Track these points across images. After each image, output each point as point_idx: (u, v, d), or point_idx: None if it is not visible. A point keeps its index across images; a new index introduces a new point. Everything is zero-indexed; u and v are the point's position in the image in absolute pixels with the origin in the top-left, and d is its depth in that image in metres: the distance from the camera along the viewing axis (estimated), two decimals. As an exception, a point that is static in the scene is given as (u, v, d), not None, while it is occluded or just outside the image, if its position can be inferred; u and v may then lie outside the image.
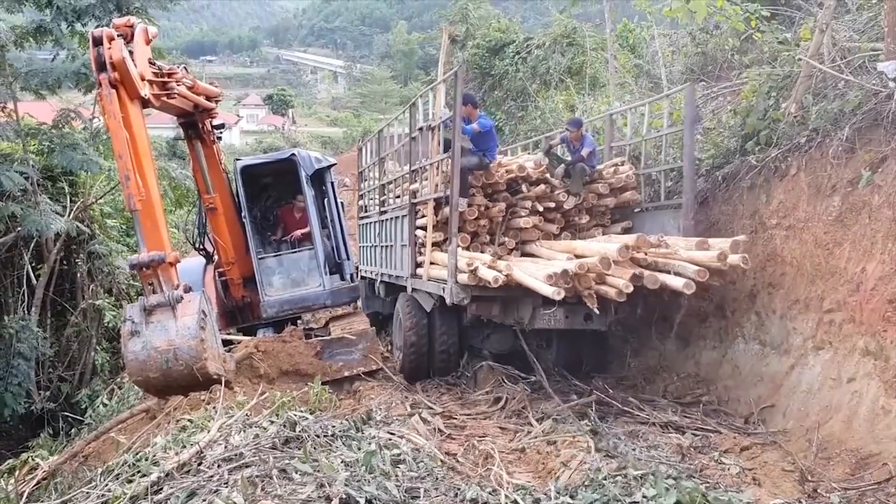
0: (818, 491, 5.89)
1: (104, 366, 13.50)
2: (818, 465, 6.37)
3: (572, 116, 12.34)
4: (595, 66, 19.54)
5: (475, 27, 24.24)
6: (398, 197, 11.17)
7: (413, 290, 10.02)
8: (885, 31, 7.76)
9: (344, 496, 4.12)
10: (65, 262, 13.98)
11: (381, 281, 12.03)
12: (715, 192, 9.56)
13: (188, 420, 5.97)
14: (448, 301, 8.55)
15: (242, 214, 11.09)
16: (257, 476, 4.38)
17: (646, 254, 8.11)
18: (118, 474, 4.95)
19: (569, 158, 10.10)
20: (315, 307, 11.72)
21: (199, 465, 4.72)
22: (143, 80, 7.28)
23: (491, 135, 9.94)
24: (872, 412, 6.42)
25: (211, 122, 10.39)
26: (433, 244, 9.38)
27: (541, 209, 9.91)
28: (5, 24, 12.63)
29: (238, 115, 75.39)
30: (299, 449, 4.86)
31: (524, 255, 9.78)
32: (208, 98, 9.90)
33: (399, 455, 5.34)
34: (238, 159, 11.78)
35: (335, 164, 13.09)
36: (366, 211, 13.98)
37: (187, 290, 7.01)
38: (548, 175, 10.05)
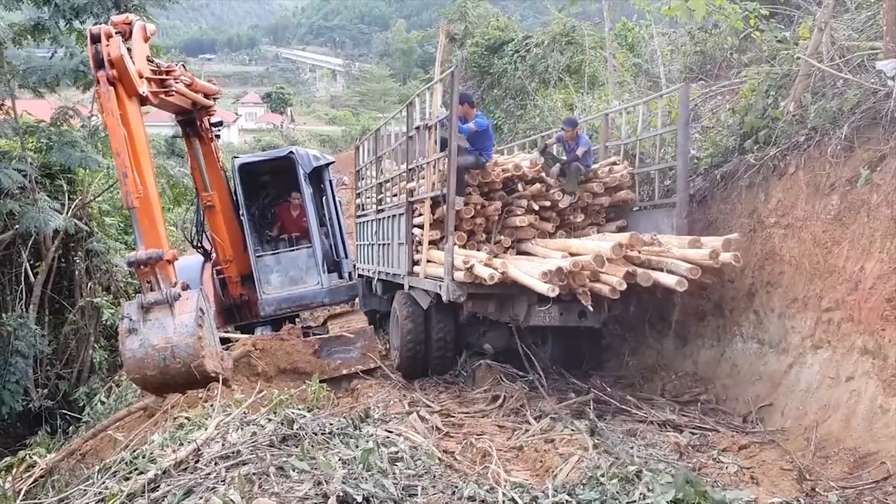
0: (816, 490, 5.89)
1: (102, 364, 13.50)
2: (816, 464, 6.38)
3: (568, 116, 12.39)
4: (594, 64, 19.52)
5: (474, 25, 24.21)
6: (395, 195, 11.20)
7: (410, 287, 10.07)
8: (883, 29, 7.76)
9: (341, 494, 4.11)
10: (63, 260, 13.98)
11: (379, 279, 12.05)
12: (713, 190, 9.55)
13: (185, 418, 5.96)
14: (445, 298, 8.62)
15: (240, 212, 11.09)
16: (254, 474, 4.37)
17: (639, 252, 8.22)
18: (115, 472, 4.95)
19: (564, 158, 10.17)
20: (313, 305, 11.73)
21: (196, 462, 4.71)
22: (141, 77, 7.26)
23: (487, 134, 10.00)
24: (871, 411, 6.42)
25: (209, 120, 10.39)
26: (430, 242, 9.44)
27: (536, 208, 10.04)
28: (3, 21, 12.64)
29: (237, 114, 75.30)
30: (297, 447, 4.85)
31: (520, 253, 9.86)
32: (206, 96, 9.89)
33: (397, 453, 5.34)
34: (236, 157, 11.77)
35: (333, 162, 13.09)
36: (363, 209, 13.99)
37: (185, 287, 7.00)
38: (543, 174, 10.15)
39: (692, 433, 7.41)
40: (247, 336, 10.43)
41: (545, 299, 8.06)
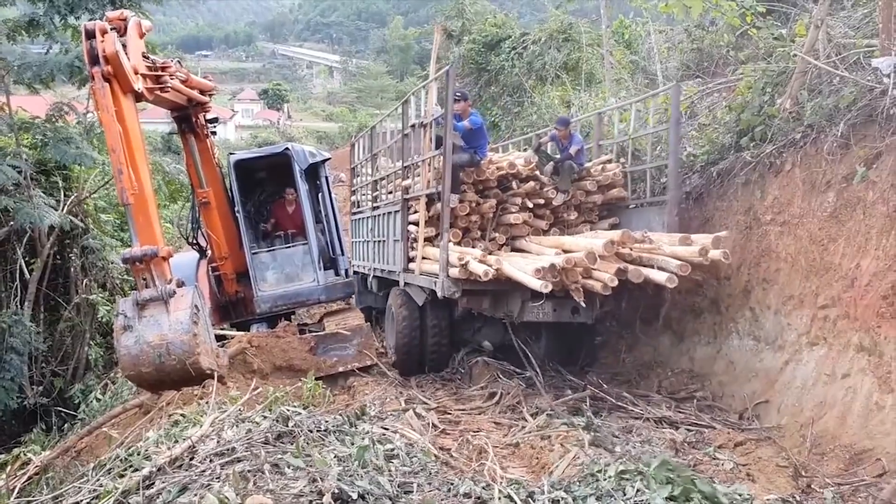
0: (812, 486, 5.91)
1: (98, 361, 13.46)
2: (812, 461, 6.39)
3: (560, 115, 12.45)
4: (591, 62, 19.53)
5: (471, 22, 24.17)
6: (391, 193, 11.23)
7: (405, 284, 10.11)
8: (879, 27, 7.76)
9: (336, 491, 4.10)
10: (58, 257, 13.92)
11: (374, 276, 12.07)
12: (709, 187, 9.56)
13: (181, 415, 5.94)
14: (440, 295, 8.70)
15: (236, 209, 11.06)
16: (249, 471, 4.36)
17: (630, 249, 8.31)
18: (110, 469, 4.93)
19: (558, 156, 10.23)
20: (309, 302, 11.71)
21: (191, 459, 4.69)
22: (136, 73, 7.22)
23: (482, 132, 10.06)
24: (866, 408, 6.42)
25: (205, 117, 10.36)
26: (425, 239, 9.50)
27: (530, 205, 10.12)
28: (-2, 17, 12.58)
29: (233, 110, 75.23)
30: (292, 444, 4.83)
31: (514, 250, 9.93)
32: (202, 92, 9.86)
33: (392, 450, 5.33)
34: (232, 154, 11.75)
35: (329, 158, 13.08)
36: (358, 206, 14.00)
37: (180, 284, 6.97)
38: (537, 172, 10.24)
39: (688, 430, 7.43)
40: (242, 333, 10.41)
41: (539, 295, 8.17)
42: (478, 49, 22.30)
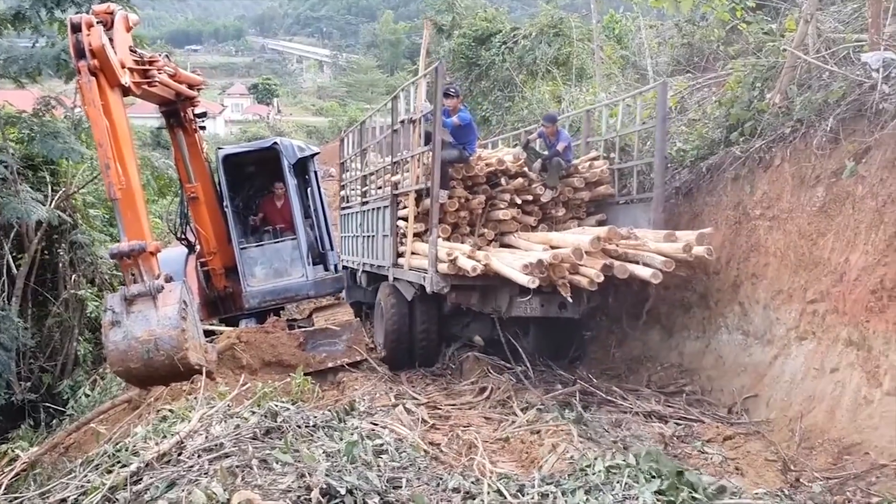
0: (801, 480, 5.92)
1: (86, 356, 13.39)
2: (801, 455, 6.40)
3: (548, 112, 12.49)
4: (582, 56, 19.50)
5: (461, 16, 24.09)
6: (380, 188, 11.24)
7: (395, 279, 10.15)
8: (868, 21, 7.78)
9: (324, 486, 4.08)
10: (46, 252, 13.82)
11: (363, 270, 12.07)
12: (699, 182, 9.58)
13: (169, 410, 5.91)
14: (428, 290, 8.77)
15: (224, 204, 11.01)
16: (237, 466, 4.34)
17: (616, 245, 8.43)
18: (98, 465, 4.90)
19: (546, 153, 10.26)
20: (298, 298, 11.66)
21: (179, 455, 4.67)
22: (123, 67, 7.17)
23: (471, 128, 10.11)
24: (855, 402, 6.44)
25: (193, 111, 10.31)
26: (414, 234, 9.56)
27: (519, 202, 10.20)
28: (-18, 11, 12.46)
29: (223, 105, 75.02)
30: (280, 439, 4.81)
31: (503, 245, 10.03)
32: (190, 86, 9.82)
33: (382, 445, 5.32)
34: (220, 148, 11.68)
35: (318, 152, 13.03)
36: (347, 201, 13.99)
37: (168, 279, 6.94)
38: (526, 169, 10.30)
39: (677, 424, 7.44)
40: (231, 329, 10.37)
41: (526, 291, 8.29)
42: (468, 43, 22.24)
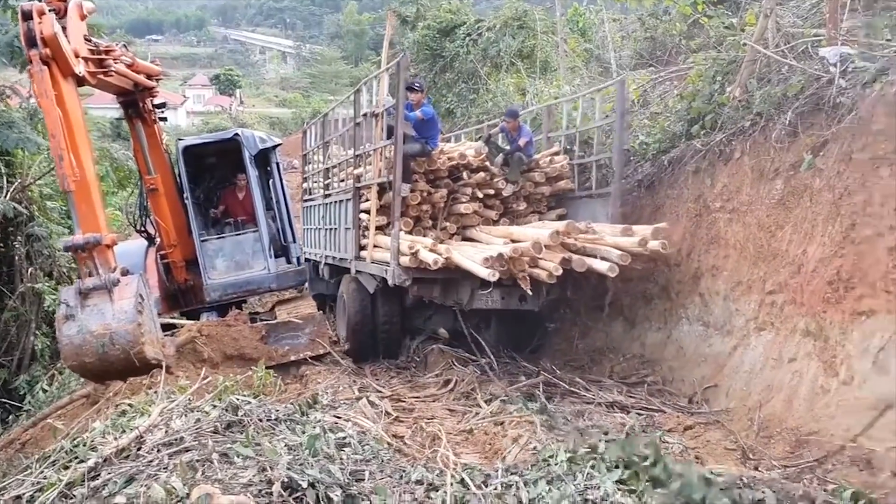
0: (759, 469, 6.00)
1: (44, 351, 13.15)
2: (759, 444, 6.49)
3: (510, 107, 12.54)
4: (546, 49, 19.56)
5: (426, 8, 24.08)
6: (342, 181, 11.18)
7: (357, 272, 10.11)
8: (826, 17, 7.88)
9: (286, 480, 4.04)
10: (2, 245, 13.53)
11: (326, 263, 12.01)
12: (661, 175, 9.64)
13: (128, 405, 5.82)
14: (390, 282, 8.76)
15: (185, 196, 10.88)
16: (198, 460, 4.28)
17: (575, 239, 8.52)
18: (55, 461, 4.81)
19: (507, 148, 10.34)
20: (260, 291, 11.58)
21: (138, 450, 4.59)
22: (77, 56, 7.04)
23: (434, 123, 10.12)
24: (812, 391, 6.54)
25: (152, 102, 10.17)
26: (376, 228, 9.53)
27: (481, 196, 10.27)
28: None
29: (184, 96, 73.91)
30: (241, 433, 4.77)
31: (465, 239, 10.05)
32: (149, 77, 9.68)
33: (344, 438, 5.28)
34: (181, 139, 11.53)
35: (280, 144, 12.92)
36: (310, 193, 13.88)
37: (125, 273, 6.85)
38: (487, 163, 10.34)
39: (639, 414, 7.50)
40: (192, 322, 10.26)
41: (487, 284, 8.30)
42: (432, 35, 22.19)
